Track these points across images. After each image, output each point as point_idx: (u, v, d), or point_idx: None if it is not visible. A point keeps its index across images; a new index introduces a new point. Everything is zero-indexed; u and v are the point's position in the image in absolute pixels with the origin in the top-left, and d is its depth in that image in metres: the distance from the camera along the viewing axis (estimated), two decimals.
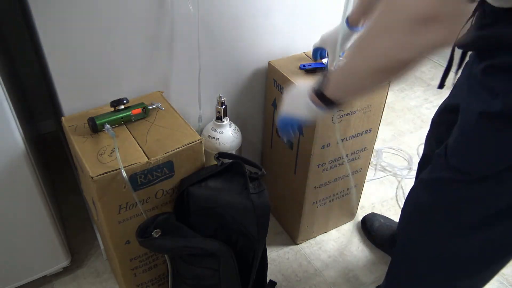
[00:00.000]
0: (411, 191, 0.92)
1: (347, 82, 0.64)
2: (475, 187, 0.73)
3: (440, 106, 0.96)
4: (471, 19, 0.66)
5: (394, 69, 0.55)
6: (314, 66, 1.16)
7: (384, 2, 0.51)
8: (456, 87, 0.89)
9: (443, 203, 0.80)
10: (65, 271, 1.30)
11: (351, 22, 0.91)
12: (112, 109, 1.00)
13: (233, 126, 1.23)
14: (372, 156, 1.65)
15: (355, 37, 0.91)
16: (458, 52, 0.79)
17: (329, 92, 0.66)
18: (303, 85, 0.77)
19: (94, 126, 0.96)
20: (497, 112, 0.61)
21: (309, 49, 1.32)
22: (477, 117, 0.66)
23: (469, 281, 0.88)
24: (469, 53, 0.77)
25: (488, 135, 0.65)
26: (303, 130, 1.16)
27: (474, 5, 0.62)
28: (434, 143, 1.00)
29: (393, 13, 0.50)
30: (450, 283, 0.89)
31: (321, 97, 0.68)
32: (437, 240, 0.85)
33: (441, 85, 0.88)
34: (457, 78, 0.87)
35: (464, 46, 0.69)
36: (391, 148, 1.89)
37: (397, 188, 1.69)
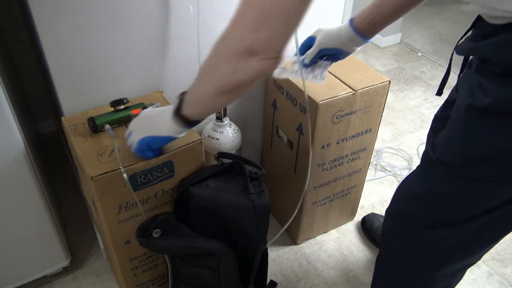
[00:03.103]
0: (404, 180, 0.94)
1: (199, 102, 0.73)
2: (459, 183, 0.76)
3: (443, 103, 0.98)
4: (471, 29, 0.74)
5: (232, 90, 0.66)
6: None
7: (221, 35, 0.63)
8: (457, 84, 0.90)
9: (431, 195, 0.82)
10: (65, 271, 1.30)
11: (356, 25, 0.91)
12: (112, 109, 1.00)
13: (233, 126, 1.23)
14: (372, 156, 1.65)
15: (357, 40, 0.91)
16: (460, 58, 0.82)
17: (186, 111, 0.75)
18: (151, 111, 0.86)
19: (94, 126, 0.96)
20: (484, 106, 0.66)
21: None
22: (465, 109, 0.70)
23: (447, 268, 0.91)
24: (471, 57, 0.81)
25: (473, 127, 0.70)
26: (303, 130, 1.17)
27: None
28: (432, 137, 1.02)
29: (225, 46, 0.63)
30: (431, 273, 0.92)
31: (180, 116, 0.76)
32: (423, 232, 0.87)
33: (439, 92, 0.92)
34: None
35: (464, 53, 0.75)
36: (391, 148, 1.89)
37: None
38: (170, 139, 0.84)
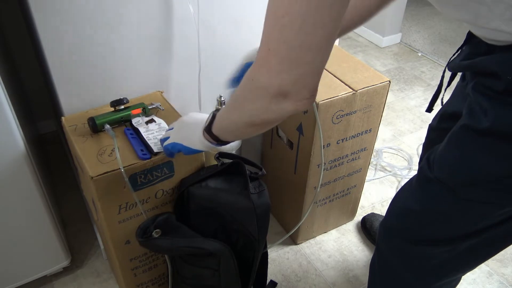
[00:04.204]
0: (400, 193, 0.92)
1: (228, 128, 0.73)
2: (456, 203, 0.75)
3: (437, 113, 0.97)
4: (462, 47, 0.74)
5: (261, 126, 0.65)
6: None
7: (249, 71, 0.60)
8: (453, 96, 0.91)
9: (427, 213, 0.81)
10: (65, 271, 1.30)
11: None
12: (112, 109, 1.00)
13: None
14: (372, 156, 1.65)
15: None
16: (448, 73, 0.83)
17: (216, 132, 0.74)
18: (195, 117, 0.84)
19: (94, 126, 0.96)
20: (484, 128, 0.65)
21: None
22: (463, 129, 0.69)
23: (443, 279, 0.90)
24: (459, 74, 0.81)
25: (471, 149, 0.69)
26: (303, 130, 1.17)
27: None
28: (430, 149, 1.01)
29: (255, 86, 0.59)
30: (425, 285, 0.91)
31: (211, 133, 0.75)
32: (418, 247, 0.86)
33: (429, 109, 0.92)
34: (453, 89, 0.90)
35: (459, 70, 0.75)
36: (391, 148, 1.89)
37: (397, 188, 1.69)
38: (198, 151, 0.83)
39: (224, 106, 0.70)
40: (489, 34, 0.63)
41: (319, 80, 0.58)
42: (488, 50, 0.66)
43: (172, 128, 0.88)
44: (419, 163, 0.88)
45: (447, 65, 0.79)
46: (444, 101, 0.92)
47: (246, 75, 0.61)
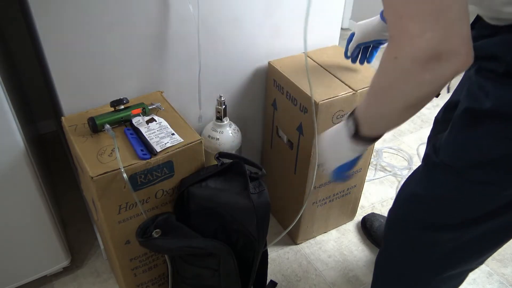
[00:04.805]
0: (406, 181, 0.93)
1: (381, 122, 0.67)
2: (462, 186, 0.76)
3: (443, 105, 0.98)
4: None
5: (418, 104, 0.59)
6: None
7: (388, 55, 0.54)
8: (459, 85, 0.91)
9: (433, 198, 0.82)
10: (65, 271, 1.30)
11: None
12: (112, 109, 1.00)
13: (233, 126, 1.23)
14: (372, 156, 1.65)
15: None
16: None
17: (366, 133, 0.69)
18: (330, 133, 0.80)
19: (94, 126, 0.96)
20: (486, 109, 0.65)
21: (309, 49, 1.32)
22: (465, 112, 0.70)
23: (449, 272, 0.90)
24: None
25: (474, 130, 0.70)
26: (303, 131, 1.17)
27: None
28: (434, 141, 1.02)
29: (402, 63, 0.52)
30: (432, 276, 0.92)
31: (359, 137, 0.70)
32: (424, 234, 0.87)
33: (437, 94, 0.90)
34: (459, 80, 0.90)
35: None
36: (391, 148, 1.89)
37: (397, 188, 1.69)
38: (356, 160, 0.79)
39: (363, 102, 0.68)
40: (490, 13, 0.64)
41: (469, 27, 0.51)
42: (492, 32, 0.66)
43: (323, 164, 0.86)
44: (424, 156, 0.89)
45: None
46: (452, 90, 0.93)
47: (383, 58, 0.56)
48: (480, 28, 0.71)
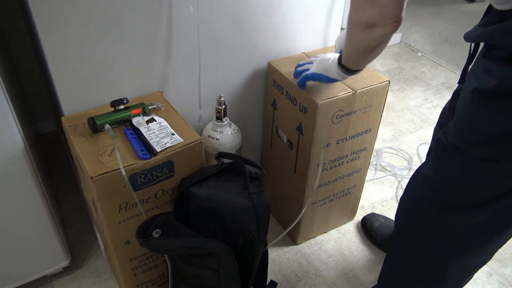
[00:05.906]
0: (418, 168, 0.96)
1: (350, 59, 0.91)
2: (471, 165, 0.79)
3: (453, 92, 1.02)
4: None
5: (369, 52, 0.82)
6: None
7: (348, 17, 0.79)
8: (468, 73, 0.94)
9: (444, 179, 0.85)
10: (65, 271, 1.30)
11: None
12: (112, 109, 1.00)
13: (233, 126, 1.23)
14: (372, 156, 1.65)
15: (342, 74, 1.02)
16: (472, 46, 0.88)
17: (344, 62, 0.93)
18: (332, 54, 1.02)
19: (94, 126, 0.96)
20: (490, 88, 0.70)
21: (309, 49, 1.32)
22: (472, 93, 0.74)
23: (460, 259, 0.93)
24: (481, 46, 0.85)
25: (480, 108, 0.74)
26: (303, 130, 1.17)
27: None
28: (439, 129, 1.04)
29: (351, 23, 0.80)
30: (443, 262, 0.93)
31: (341, 65, 0.94)
32: (435, 217, 0.89)
33: (461, 80, 0.97)
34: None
35: (472, 39, 0.80)
36: (391, 148, 1.89)
37: (397, 188, 1.69)
38: (335, 80, 1.01)
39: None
40: None
41: (399, 5, 0.70)
42: (501, 19, 0.70)
43: (310, 63, 1.08)
44: (435, 142, 0.92)
45: (464, 35, 0.83)
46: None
47: (347, 20, 0.80)
48: (491, 15, 0.75)
